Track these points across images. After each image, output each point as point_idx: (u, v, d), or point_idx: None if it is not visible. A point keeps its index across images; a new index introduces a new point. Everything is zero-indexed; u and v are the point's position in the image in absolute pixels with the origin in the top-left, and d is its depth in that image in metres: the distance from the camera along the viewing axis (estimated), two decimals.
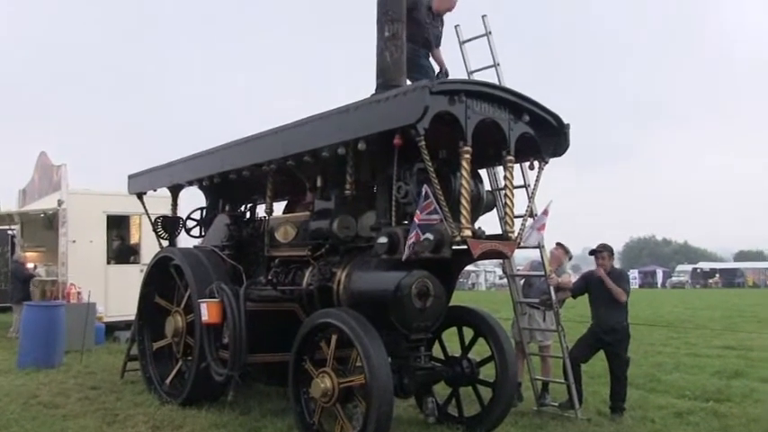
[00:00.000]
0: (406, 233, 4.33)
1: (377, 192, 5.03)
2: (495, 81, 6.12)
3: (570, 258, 6.94)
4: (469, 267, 47.89)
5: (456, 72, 6.52)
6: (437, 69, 6.45)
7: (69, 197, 11.15)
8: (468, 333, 5.45)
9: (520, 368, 6.36)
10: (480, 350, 5.39)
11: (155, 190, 7.73)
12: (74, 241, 11.09)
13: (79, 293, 10.48)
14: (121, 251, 12.40)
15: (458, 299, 5.64)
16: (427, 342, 4.96)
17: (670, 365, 9.03)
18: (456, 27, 6.60)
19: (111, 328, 11.24)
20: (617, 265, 6.53)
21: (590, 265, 6.58)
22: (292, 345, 4.90)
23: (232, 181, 6.17)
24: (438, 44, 6.55)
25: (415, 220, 4.14)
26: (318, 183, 5.43)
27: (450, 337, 5.56)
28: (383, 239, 4.53)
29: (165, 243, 7.53)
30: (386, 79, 5.07)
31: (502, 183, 5.40)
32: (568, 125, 5.05)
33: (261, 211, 6.45)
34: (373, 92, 5.08)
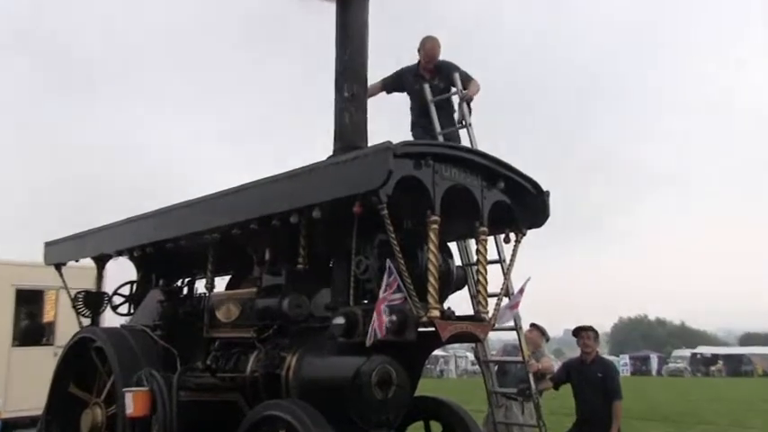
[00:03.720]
0: (366, 313, 4.38)
1: (333, 266, 5.09)
2: (466, 143, 6.37)
3: (547, 340, 7.06)
4: (438, 352, 47.67)
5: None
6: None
7: None
8: (436, 427, 5.45)
9: None
10: None
11: (76, 261, 7.66)
12: None
13: None
14: (31, 331, 12.13)
15: (424, 388, 5.66)
16: None
17: None
18: (424, 85, 6.90)
19: (12, 426, 10.84)
20: (603, 350, 6.68)
21: (573, 349, 6.70)
22: None
23: (168, 251, 6.17)
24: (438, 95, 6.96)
25: (380, 305, 4.18)
26: (267, 255, 5.47)
27: None
28: (340, 320, 4.55)
29: (87, 322, 7.41)
30: (345, 143, 5.21)
31: (474, 257, 5.50)
32: (548, 192, 5.21)
33: (200, 286, 6.45)
34: (330, 155, 5.22)
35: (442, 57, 7.21)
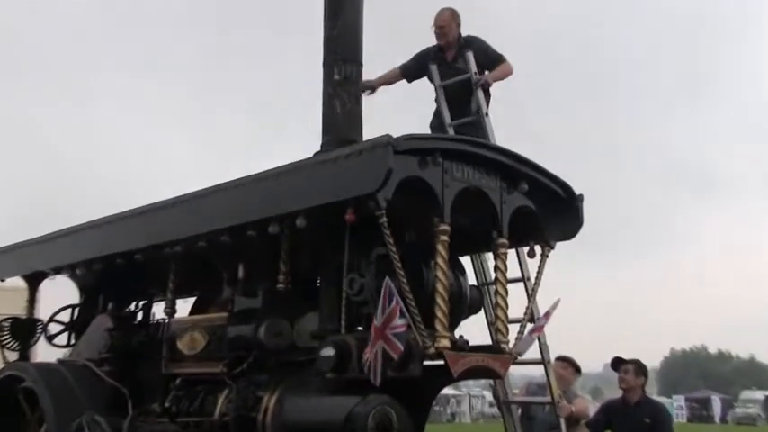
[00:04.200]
0: (361, 343, 4.45)
1: (321, 286, 5.18)
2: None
3: (579, 374, 7.11)
4: (448, 391, 47.61)
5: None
6: None
7: None
8: None
9: None
10: None
11: (2, 280, 7.72)
12: None
13: None
14: None
15: None
16: None
17: None
18: (431, 66, 6.96)
19: None
20: (652, 389, 6.76)
21: (614, 388, 6.77)
22: None
23: (118, 269, 6.22)
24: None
25: (386, 332, 4.23)
26: (240, 273, 5.54)
27: None
28: (329, 352, 4.61)
29: (14, 356, 7.42)
30: (335, 136, 5.32)
31: (492, 275, 5.61)
32: (581, 197, 5.33)
33: (158, 311, 6.51)
34: (317, 151, 5.33)
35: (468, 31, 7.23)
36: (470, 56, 6.90)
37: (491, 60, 7.11)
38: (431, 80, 7.12)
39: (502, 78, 7.12)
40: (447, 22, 7.14)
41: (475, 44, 7.15)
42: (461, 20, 7.28)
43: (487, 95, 6.99)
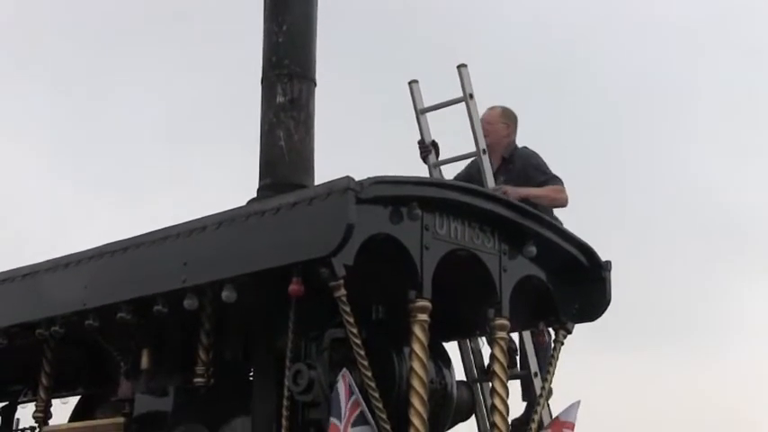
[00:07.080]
0: None
1: (255, 380, 5.23)
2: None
3: None
4: None
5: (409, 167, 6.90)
6: None
7: None
8: None
9: None
10: None
11: None
12: None
13: None
14: None
15: None
16: None
17: None
18: (411, 84, 6.96)
19: None
20: None
21: None
22: None
23: None
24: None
25: None
26: (144, 362, 5.51)
27: None
28: None
29: None
30: (277, 178, 5.45)
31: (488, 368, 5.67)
32: (609, 264, 5.48)
33: (27, 414, 6.50)
34: (251, 198, 5.44)
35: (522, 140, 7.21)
36: (466, 71, 6.77)
37: (539, 182, 6.91)
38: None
39: (542, 201, 6.73)
40: (491, 120, 7.07)
41: (524, 155, 7.10)
42: (517, 124, 7.26)
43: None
